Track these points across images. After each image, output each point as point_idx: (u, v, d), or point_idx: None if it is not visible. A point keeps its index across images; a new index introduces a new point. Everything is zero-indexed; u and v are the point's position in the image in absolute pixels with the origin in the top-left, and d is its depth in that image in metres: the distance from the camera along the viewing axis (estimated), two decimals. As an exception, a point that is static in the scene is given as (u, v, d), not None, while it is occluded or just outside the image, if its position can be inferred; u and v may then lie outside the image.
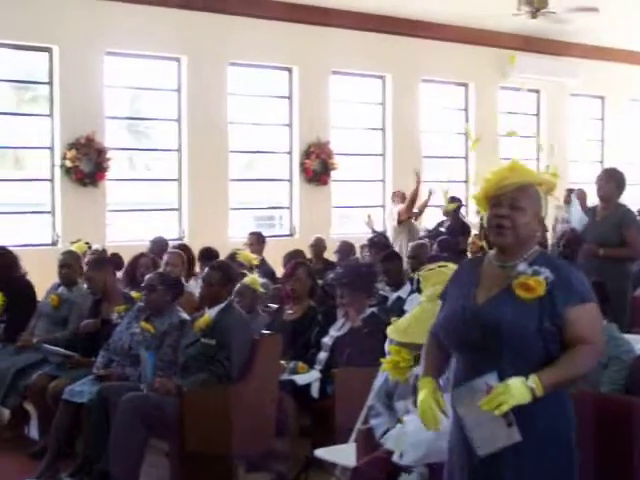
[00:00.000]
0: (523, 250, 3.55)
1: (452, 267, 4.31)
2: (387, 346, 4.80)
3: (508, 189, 3.54)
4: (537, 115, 17.33)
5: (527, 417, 3.38)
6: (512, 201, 3.53)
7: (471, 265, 3.80)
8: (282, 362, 6.65)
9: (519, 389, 3.30)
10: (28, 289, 8.26)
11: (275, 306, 7.79)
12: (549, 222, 13.94)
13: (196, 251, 9.59)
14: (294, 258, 8.86)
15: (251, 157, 14.45)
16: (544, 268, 3.46)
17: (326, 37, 13.67)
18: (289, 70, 13.84)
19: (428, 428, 3.64)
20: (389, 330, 4.69)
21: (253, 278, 7.47)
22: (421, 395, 3.64)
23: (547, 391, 3.34)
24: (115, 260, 8.81)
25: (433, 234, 12.00)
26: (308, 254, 10.51)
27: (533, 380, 3.32)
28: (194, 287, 8.27)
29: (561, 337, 3.45)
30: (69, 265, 8.10)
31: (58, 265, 8.12)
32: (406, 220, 12.43)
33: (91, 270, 7.65)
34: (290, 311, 7.36)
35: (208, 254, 9.31)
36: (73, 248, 9.32)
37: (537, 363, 3.41)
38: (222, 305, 6.46)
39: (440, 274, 4.47)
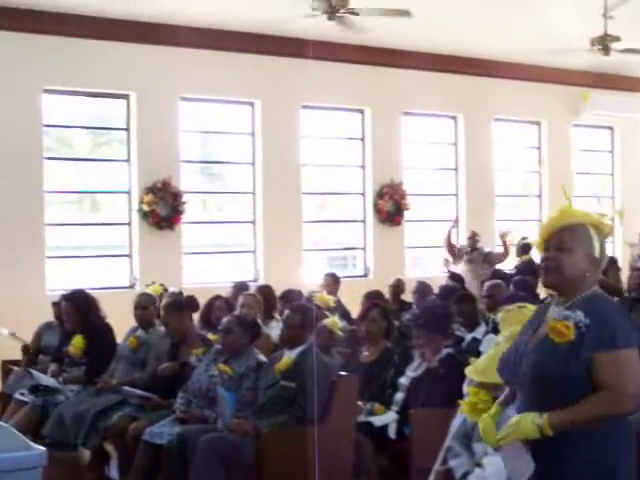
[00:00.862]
0: (577, 291, 3.60)
1: (531, 308, 4.31)
2: (465, 387, 4.79)
3: (555, 231, 3.64)
4: (611, 152, 17.16)
5: (570, 446, 3.49)
6: (559, 243, 3.62)
7: (541, 308, 3.86)
8: (359, 403, 6.66)
9: (526, 424, 3.49)
10: (107, 332, 8.38)
11: (347, 350, 7.80)
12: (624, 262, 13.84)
13: (271, 293, 9.67)
14: (372, 299, 8.88)
15: (324, 198, 14.54)
16: (579, 312, 3.51)
17: (398, 78, 13.73)
18: (361, 112, 13.92)
19: (487, 443, 3.85)
20: (467, 371, 4.69)
21: (333, 320, 7.52)
22: (484, 418, 3.84)
23: (555, 430, 3.46)
24: (192, 303, 8.90)
25: (504, 274, 11.93)
26: (384, 294, 10.49)
27: (543, 418, 3.46)
28: (275, 329, 8.32)
29: (592, 381, 3.49)
30: (144, 307, 8.23)
31: (134, 307, 8.26)
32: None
33: (168, 313, 7.74)
34: (366, 353, 7.37)
35: (289, 296, 9.35)
36: (149, 290, 9.48)
37: (569, 404, 3.47)
38: (302, 347, 6.50)
39: (518, 314, 4.46)
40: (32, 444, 3.07)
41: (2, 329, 9.28)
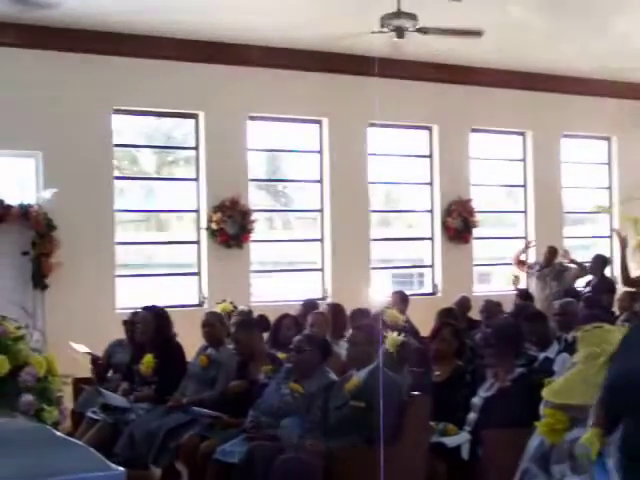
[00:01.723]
0: None
1: (609, 328, 4.23)
2: (542, 408, 4.71)
3: None
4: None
5: None
6: None
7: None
8: (431, 424, 6.60)
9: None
10: (178, 350, 8.42)
11: (419, 369, 7.73)
12: None
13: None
14: (444, 317, 8.81)
15: (391, 216, 14.50)
16: None
17: (466, 95, 13.66)
18: (429, 129, 13.87)
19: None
20: (545, 392, 4.61)
21: (392, 338, 7.45)
22: (587, 434, 3.75)
23: None
24: (262, 322, 8.92)
25: (576, 292, 11.76)
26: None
27: None
28: (345, 347, 8.26)
29: None
30: (211, 325, 8.26)
31: (201, 325, 8.29)
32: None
33: (239, 331, 7.76)
34: (437, 372, 7.31)
35: (358, 315, 9.30)
36: (218, 309, 9.52)
37: None
38: (371, 367, 6.46)
39: (597, 335, 4.38)
40: (111, 464, 3.07)
41: (80, 346, 9.36)
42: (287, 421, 6.44)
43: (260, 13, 10.57)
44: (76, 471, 2.98)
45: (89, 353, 9.40)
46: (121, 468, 3.06)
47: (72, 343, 9.35)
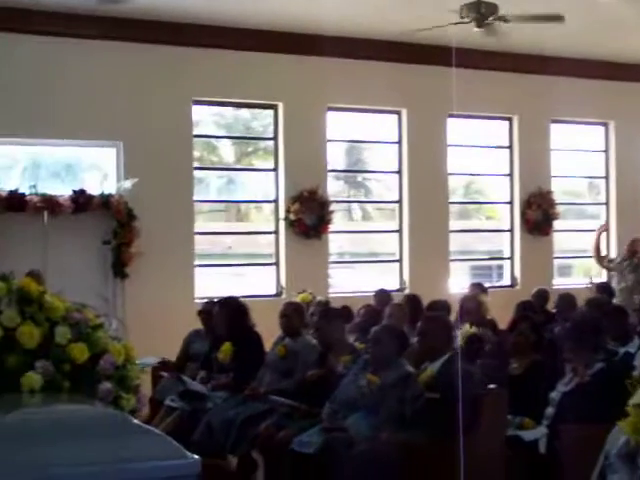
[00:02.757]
0: None
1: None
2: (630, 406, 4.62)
3: None
4: None
5: None
6: None
7: None
8: (508, 417, 6.54)
9: None
10: (256, 340, 8.46)
11: (495, 362, 7.67)
12: None
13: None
14: (523, 310, 8.72)
15: (471, 207, 14.40)
16: None
17: (546, 85, 13.48)
18: (509, 120, 13.73)
19: None
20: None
21: (463, 330, 7.40)
22: None
23: None
24: (345, 313, 8.91)
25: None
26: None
27: None
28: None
29: None
30: (287, 315, 8.27)
31: (279, 315, 8.32)
32: None
33: (320, 321, 7.78)
34: (515, 365, 7.24)
35: (436, 307, 9.25)
36: (297, 299, 9.54)
37: None
38: (444, 358, 6.42)
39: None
40: (187, 452, 3.09)
41: (150, 358, 9.41)
42: (358, 414, 6.42)
43: (340, 4, 10.57)
44: (152, 458, 3.00)
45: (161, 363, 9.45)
46: (196, 456, 3.08)
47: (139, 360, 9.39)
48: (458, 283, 12.54)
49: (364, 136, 13.29)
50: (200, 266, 11.71)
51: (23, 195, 10.40)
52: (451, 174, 13.26)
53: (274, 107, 12.12)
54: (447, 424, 5.96)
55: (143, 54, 11.12)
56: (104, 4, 9.96)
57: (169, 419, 8.10)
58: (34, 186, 10.45)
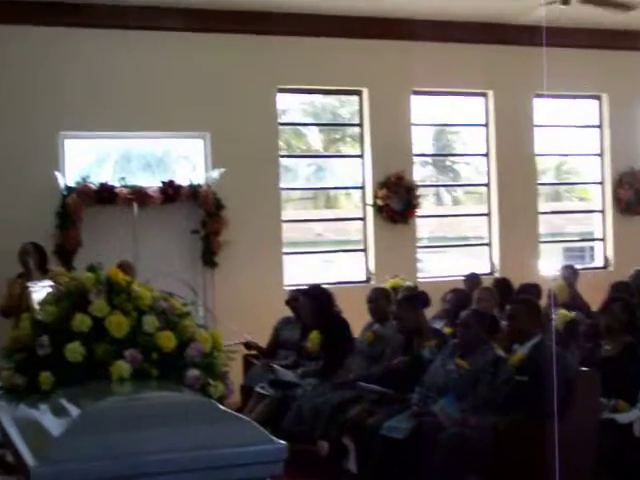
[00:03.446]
0: None
1: None
2: None
3: None
4: None
5: None
6: None
7: None
8: (602, 400, 6.45)
9: None
10: (344, 326, 8.49)
11: (587, 344, 7.56)
12: None
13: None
14: (617, 291, 8.58)
15: (562, 188, 14.21)
16: None
17: (636, 62, 13.22)
18: (598, 98, 13.49)
19: None
20: None
21: (561, 313, 7.31)
22: None
23: None
24: (423, 297, 8.85)
25: None
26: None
27: None
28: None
29: None
30: (374, 300, 8.28)
31: (366, 301, 8.33)
32: None
33: (401, 308, 7.76)
34: (607, 347, 7.13)
35: (526, 290, 9.15)
36: (388, 284, 9.54)
37: None
38: (534, 341, 6.35)
39: None
40: (274, 438, 3.11)
41: (246, 335, 9.49)
42: (447, 398, 6.40)
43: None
44: (239, 444, 3.03)
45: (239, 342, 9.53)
46: (283, 442, 3.10)
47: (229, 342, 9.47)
48: (550, 265, 12.38)
49: (450, 119, 13.20)
50: (289, 254, 11.77)
51: (113, 187, 10.57)
52: (540, 155, 13.08)
53: (359, 93, 12.10)
54: (537, 407, 5.91)
55: (228, 45, 11.20)
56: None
57: (260, 406, 8.19)
58: (124, 178, 10.62)
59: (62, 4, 10.36)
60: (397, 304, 8.01)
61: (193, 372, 3.62)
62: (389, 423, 6.68)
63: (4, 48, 10.40)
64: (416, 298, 7.98)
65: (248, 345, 9.56)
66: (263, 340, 9.66)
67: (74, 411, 3.12)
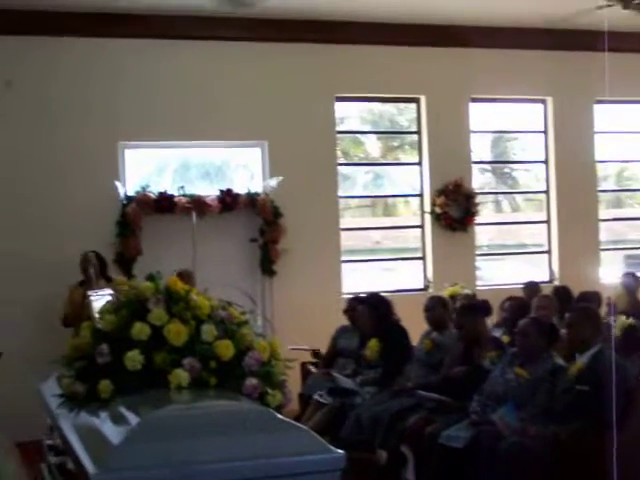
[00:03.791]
0: None
1: None
2: None
3: None
4: None
5: None
6: None
7: None
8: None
9: None
10: (403, 334, 8.47)
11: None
12: None
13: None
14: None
15: (624, 195, 14.04)
16: None
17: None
18: (660, 103, 13.33)
19: None
20: None
21: (620, 321, 7.22)
22: None
23: None
24: (485, 306, 8.81)
25: None
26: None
27: None
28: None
29: None
30: (431, 308, 8.24)
31: (424, 309, 8.29)
32: None
33: (463, 316, 7.72)
34: (670, 356, 7.04)
35: (586, 298, 9.06)
36: (447, 292, 9.51)
37: None
38: (593, 350, 6.28)
39: None
40: (331, 447, 3.11)
41: (303, 345, 9.50)
42: (506, 408, 6.35)
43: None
44: (297, 453, 3.04)
45: (309, 349, 9.54)
46: (341, 451, 3.10)
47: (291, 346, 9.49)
48: (611, 273, 12.24)
49: (509, 126, 13.11)
50: (347, 262, 11.76)
51: (172, 196, 10.65)
52: (600, 162, 12.94)
53: (416, 100, 12.08)
54: (597, 417, 5.85)
55: (286, 53, 11.24)
56: (237, 8, 10.07)
57: (318, 414, 8.19)
58: (182, 187, 10.70)
59: (123, 15, 10.47)
60: (459, 312, 7.97)
61: (251, 381, 3.63)
62: (448, 432, 6.65)
63: (67, 59, 10.54)
64: (478, 307, 7.92)
65: (316, 354, 9.56)
66: (321, 348, 9.65)
67: (133, 419, 3.15)
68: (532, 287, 10.11)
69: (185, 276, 7.74)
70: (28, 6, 10.07)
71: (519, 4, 10.97)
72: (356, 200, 12.50)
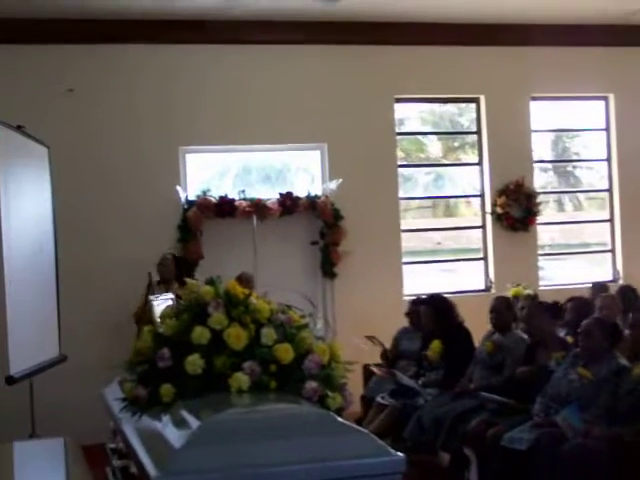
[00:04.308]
0: None
1: None
2: None
3: None
4: None
5: None
6: None
7: None
8: None
9: None
10: (465, 336, 8.43)
11: None
12: None
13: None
14: None
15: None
16: None
17: None
18: None
19: None
20: None
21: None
22: None
23: None
24: (555, 308, 8.71)
25: None
26: None
27: None
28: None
29: None
30: (497, 310, 8.17)
31: (489, 310, 8.23)
32: None
33: (530, 316, 7.67)
34: None
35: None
36: (510, 292, 9.46)
37: None
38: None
39: None
40: (392, 450, 3.11)
41: (356, 339, 9.48)
42: (569, 409, 6.29)
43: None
44: (357, 456, 3.04)
45: (370, 338, 9.50)
46: (401, 454, 3.10)
47: (356, 339, 9.47)
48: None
49: (570, 124, 12.98)
50: (408, 263, 11.73)
51: (233, 200, 10.72)
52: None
53: (476, 100, 12.02)
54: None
55: (345, 55, 11.25)
56: (325, 3, 10.07)
57: (381, 416, 8.19)
58: (243, 191, 10.76)
59: (182, 21, 10.56)
60: (529, 312, 7.89)
61: (311, 384, 3.64)
62: (511, 434, 6.60)
63: (127, 66, 10.66)
64: (550, 308, 7.81)
65: (385, 354, 9.51)
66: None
67: (194, 423, 3.18)
68: (599, 287, 9.98)
69: (244, 279, 7.80)
70: (88, 15, 10.20)
71: (579, 1, 10.85)
72: (416, 201, 12.47)
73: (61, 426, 7.09)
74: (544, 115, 12.41)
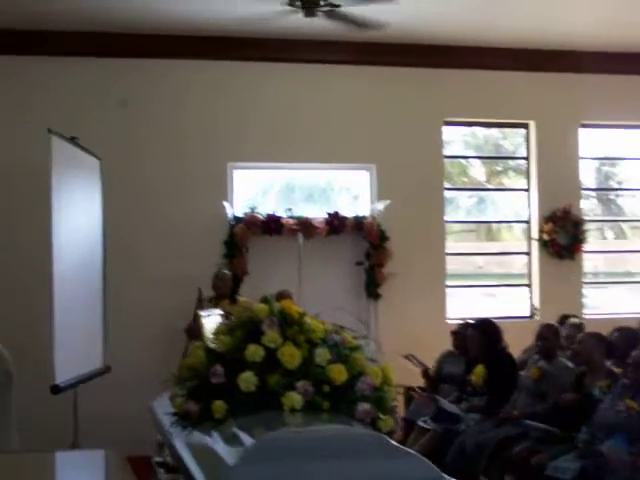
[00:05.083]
0: None
1: None
2: None
3: None
4: None
5: None
6: None
7: None
8: None
9: None
10: (510, 362, 8.38)
11: None
12: None
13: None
14: None
15: None
16: None
17: None
18: None
19: None
20: None
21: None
22: None
23: None
24: (601, 337, 8.63)
25: None
26: None
27: None
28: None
29: None
30: (545, 338, 8.11)
31: (536, 337, 8.18)
32: None
33: (579, 345, 7.61)
34: None
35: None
36: (554, 321, 9.40)
37: None
38: None
39: None
40: (444, 475, 3.11)
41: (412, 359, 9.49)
42: (616, 440, 6.22)
43: (595, 19, 10.32)
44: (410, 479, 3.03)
45: (409, 357, 9.50)
46: (452, 478, 3.09)
47: (404, 356, 9.47)
48: None
49: (614, 152, 12.89)
50: (451, 287, 11.69)
51: (280, 218, 10.75)
52: None
53: (525, 126, 11.98)
54: None
55: (395, 77, 11.25)
56: (355, 31, 10.10)
57: (423, 440, 8.14)
58: (290, 209, 10.79)
59: (234, 38, 10.62)
60: (580, 339, 7.81)
61: (364, 406, 3.64)
62: (555, 463, 6.54)
63: (178, 81, 10.73)
64: (602, 338, 7.72)
65: (426, 373, 9.48)
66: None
67: (247, 440, 3.18)
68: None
69: (284, 297, 7.78)
70: (140, 30, 10.30)
71: (631, 29, 10.79)
72: (459, 224, 12.43)
73: (104, 438, 7.10)
74: (590, 142, 12.33)
